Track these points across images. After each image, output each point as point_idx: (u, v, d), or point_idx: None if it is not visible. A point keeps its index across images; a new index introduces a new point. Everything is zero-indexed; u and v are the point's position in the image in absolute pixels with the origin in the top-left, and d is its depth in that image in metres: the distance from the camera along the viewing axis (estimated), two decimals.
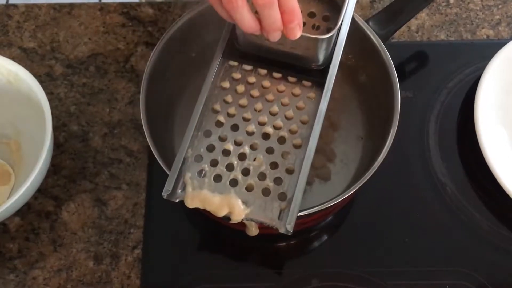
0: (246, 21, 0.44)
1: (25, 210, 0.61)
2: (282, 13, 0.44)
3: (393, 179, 0.62)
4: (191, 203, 0.47)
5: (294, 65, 0.51)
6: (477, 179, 0.63)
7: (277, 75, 0.52)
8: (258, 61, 0.51)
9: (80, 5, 0.72)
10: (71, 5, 0.72)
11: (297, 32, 0.45)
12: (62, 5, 0.72)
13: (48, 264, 0.59)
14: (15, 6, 0.72)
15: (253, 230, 0.52)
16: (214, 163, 0.49)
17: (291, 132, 0.50)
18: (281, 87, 0.51)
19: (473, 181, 0.63)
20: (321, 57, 0.50)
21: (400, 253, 0.60)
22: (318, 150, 0.59)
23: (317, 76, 0.51)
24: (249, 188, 0.48)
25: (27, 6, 0.72)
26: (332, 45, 0.50)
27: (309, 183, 0.59)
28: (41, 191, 0.62)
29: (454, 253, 0.60)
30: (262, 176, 0.48)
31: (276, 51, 0.49)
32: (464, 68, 0.68)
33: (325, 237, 0.62)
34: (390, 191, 0.62)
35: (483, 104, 0.62)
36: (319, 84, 0.50)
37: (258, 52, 0.50)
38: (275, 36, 0.45)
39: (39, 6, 0.72)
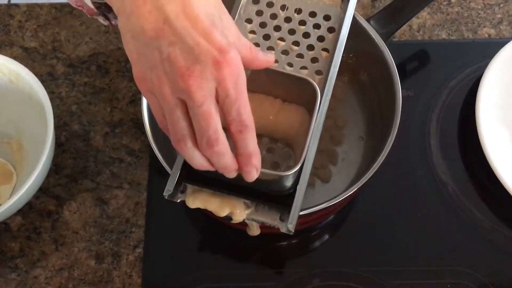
0: (196, 161, 0.40)
1: (26, 209, 0.61)
2: (238, 155, 0.40)
3: (394, 178, 0.62)
4: (192, 203, 0.47)
5: (259, 191, 0.46)
6: (478, 178, 0.63)
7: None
8: (219, 185, 0.47)
9: None
10: None
11: (254, 175, 0.41)
12: (63, 5, 0.72)
13: (50, 263, 0.59)
14: (16, 5, 0.72)
15: (255, 230, 0.52)
16: None
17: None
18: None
19: (475, 180, 0.63)
20: (288, 185, 0.46)
21: (401, 253, 0.60)
22: (320, 151, 0.59)
23: (284, 201, 0.46)
24: None
25: (28, 5, 0.72)
26: (298, 174, 0.45)
27: (310, 183, 0.59)
28: (43, 190, 0.62)
29: (455, 252, 0.59)
30: None
31: (238, 177, 0.43)
32: (466, 67, 0.68)
33: (326, 237, 0.62)
34: (391, 190, 0.62)
35: (484, 103, 0.62)
36: (287, 210, 0.46)
37: (217, 176, 0.44)
38: (229, 176, 0.42)
39: (40, 6, 0.72)
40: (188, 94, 0.37)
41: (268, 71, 0.45)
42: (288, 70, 0.48)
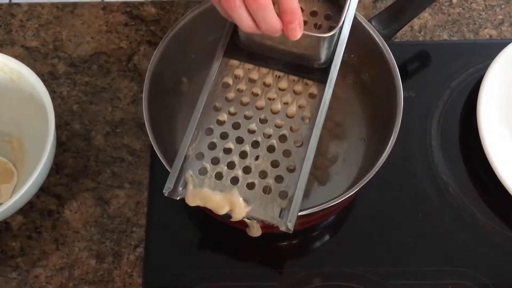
0: (245, 21, 0.44)
1: (27, 209, 0.61)
2: (281, 13, 0.43)
3: (396, 179, 0.62)
4: (192, 201, 0.47)
5: (296, 64, 0.51)
6: (480, 179, 0.63)
7: (279, 73, 0.52)
8: (260, 60, 0.51)
9: (83, 4, 0.72)
10: (74, 4, 0.72)
11: (298, 33, 0.44)
12: (65, 4, 0.72)
13: (51, 263, 0.59)
14: (18, 5, 0.72)
15: (255, 231, 0.52)
16: (215, 161, 0.49)
17: (292, 130, 0.50)
18: (283, 84, 0.51)
19: (476, 181, 0.63)
20: (323, 56, 0.50)
21: (402, 253, 0.59)
22: (320, 152, 0.59)
23: (319, 75, 0.50)
24: (250, 186, 0.48)
25: (30, 5, 0.72)
26: (334, 44, 0.50)
27: (310, 183, 0.59)
28: (44, 189, 0.62)
29: (456, 253, 0.59)
30: (263, 175, 0.48)
31: (278, 49, 0.49)
32: (467, 68, 0.68)
33: (327, 237, 0.61)
34: (392, 191, 0.62)
35: (485, 104, 0.62)
36: (321, 83, 0.50)
37: (259, 50, 0.50)
38: (274, 36, 0.45)
39: (42, 5, 0.72)
40: None
41: None
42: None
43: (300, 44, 0.48)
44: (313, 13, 0.52)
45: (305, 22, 0.52)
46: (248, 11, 0.43)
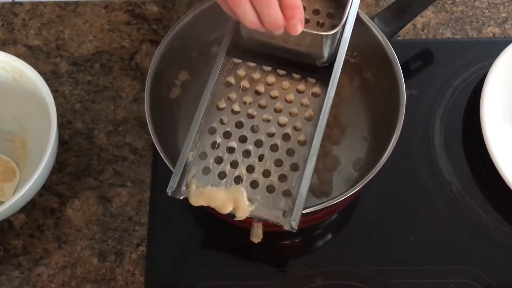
0: (249, 18, 0.44)
1: (30, 207, 0.61)
2: (283, 9, 0.44)
3: (398, 177, 0.62)
4: (195, 201, 0.47)
5: (298, 62, 0.51)
6: (483, 177, 0.63)
7: (281, 72, 0.51)
8: (263, 58, 0.51)
9: (85, 3, 0.72)
10: (76, 3, 0.72)
11: (299, 28, 0.45)
12: (67, 3, 0.72)
13: (53, 261, 0.59)
14: (20, 4, 0.72)
15: (259, 234, 0.51)
16: (218, 160, 0.49)
17: (296, 129, 0.50)
18: (286, 84, 0.51)
19: (479, 179, 0.63)
20: (326, 54, 0.50)
21: (405, 252, 0.59)
22: (325, 153, 0.59)
23: (322, 73, 0.51)
24: (253, 185, 0.48)
25: (32, 4, 0.72)
26: (336, 42, 0.50)
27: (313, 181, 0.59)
28: (46, 188, 0.62)
29: (459, 252, 0.59)
30: (266, 173, 0.48)
31: (280, 48, 0.50)
32: (470, 66, 0.68)
33: (329, 236, 0.61)
34: (395, 189, 0.62)
35: (489, 102, 0.62)
36: (324, 81, 0.50)
37: (262, 48, 0.51)
38: (277, 32, 0.46)
39: (44, 4, 0.72)
40: None
41: None
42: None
43: (303, 42, 0.48)
44: (316, 11, 0.52)
45: (308, 21, 0.52)
46: (253, 6, 0.44)
